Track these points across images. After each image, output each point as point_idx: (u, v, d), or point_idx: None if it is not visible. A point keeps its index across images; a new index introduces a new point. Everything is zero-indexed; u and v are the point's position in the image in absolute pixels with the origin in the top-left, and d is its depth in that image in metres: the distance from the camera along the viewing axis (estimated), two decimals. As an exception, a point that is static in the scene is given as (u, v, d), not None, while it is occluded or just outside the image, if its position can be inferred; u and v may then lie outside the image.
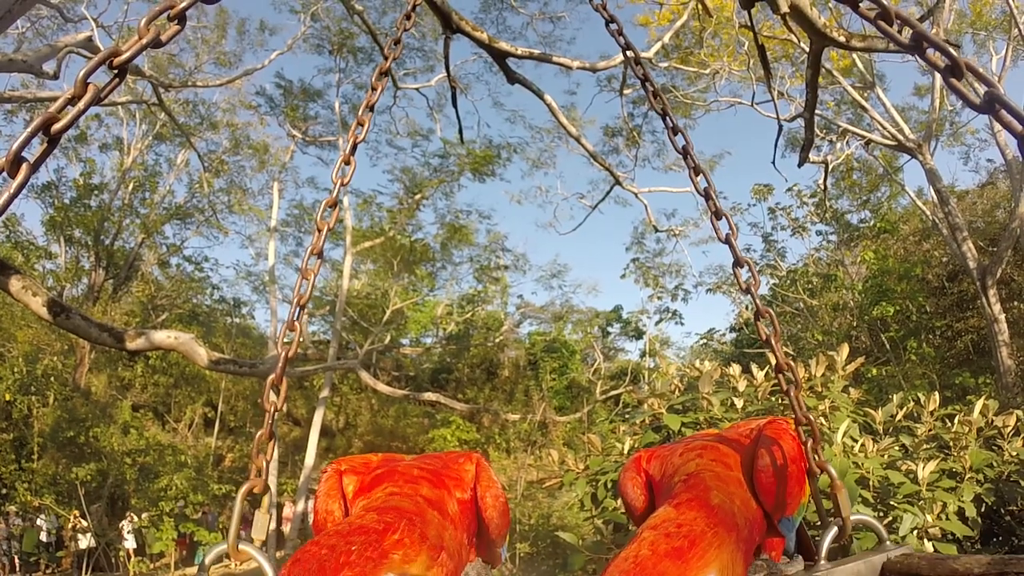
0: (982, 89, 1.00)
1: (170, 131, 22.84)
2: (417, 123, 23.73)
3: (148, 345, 7.50)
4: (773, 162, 8.09)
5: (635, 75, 1.71)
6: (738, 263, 1.45)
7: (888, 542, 1.28)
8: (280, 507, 20.09)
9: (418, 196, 23.91)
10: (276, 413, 1.31)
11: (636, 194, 12.95)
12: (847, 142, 17.48)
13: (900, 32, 1.09)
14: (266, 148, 23.59)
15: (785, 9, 3.57)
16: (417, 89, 19.06)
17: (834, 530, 1.26)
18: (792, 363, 1.40)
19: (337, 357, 19.83)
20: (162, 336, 7.67)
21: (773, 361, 1.42)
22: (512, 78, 6.61)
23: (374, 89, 1.57)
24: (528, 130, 30.77)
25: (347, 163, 1.48)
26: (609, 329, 31.68)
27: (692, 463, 1.20)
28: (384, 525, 0.97)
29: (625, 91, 16.39)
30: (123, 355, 20.90)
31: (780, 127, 7.18)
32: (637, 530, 1.01)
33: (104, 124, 23.12)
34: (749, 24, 4.62)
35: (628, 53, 1.71)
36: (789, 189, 20.46)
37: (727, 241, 1.47)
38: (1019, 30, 13.05)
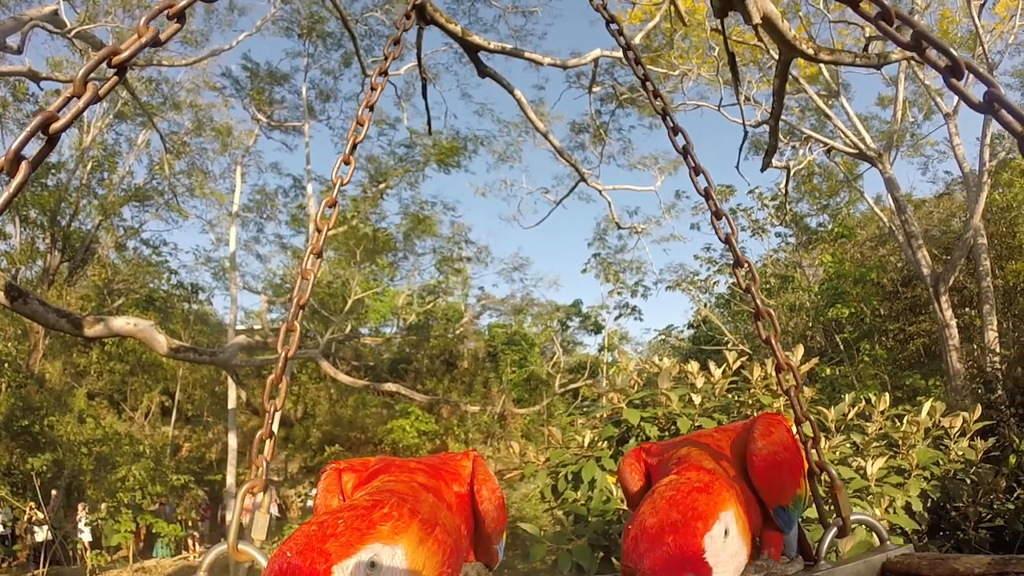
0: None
1: (132, 110, 22.25)
2: (384, 111, 23.54)
3: (107, 332, 7.39)
4: (737, 166, 8.24)
5: (636, 75, 1.73)
6: (738, 263, 1.46)
7: (888, 542, 1.29)
8: (238, 499, 19.84)
9: (382, 185, 23.76)
10: (276, 413, 1.32)
11: (600, 191, 13.00)
12: (810, 148, 17.81)
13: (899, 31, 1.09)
14: (229, 131, 23.08)
15: (757, 20, 3.65)
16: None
17: (834, 530, 1.28)
18: (792, 365, 1.40)
19: (298, 346, 19.63)
20: (121, 323, 7.57)
21: (764, 361, 1.46)
22: (483, 71, 6.61)
23: (374, 89, 1.57)
24: (496, 123, 30.75)
25: (347, 163, 1.49)
26: (569, 323, 31.84)
27: (685, 448, 1.23)
28: (373, 502, 0.97)
29: (594, 89, 16.48)
30: (78, 341, 20.43)
31: (745, 132, 7.30)
32: (646, 495, 1.04)
33: (65, 100, 22.42)
34: (721, 30, 4.72)
35: (629, 54, 1.74)
36: (751, 191, 20.71)
37: (727, 241, 1.48)
38: (983, 49, 13.41)
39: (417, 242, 26.59)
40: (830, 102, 15.58)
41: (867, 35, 10.65)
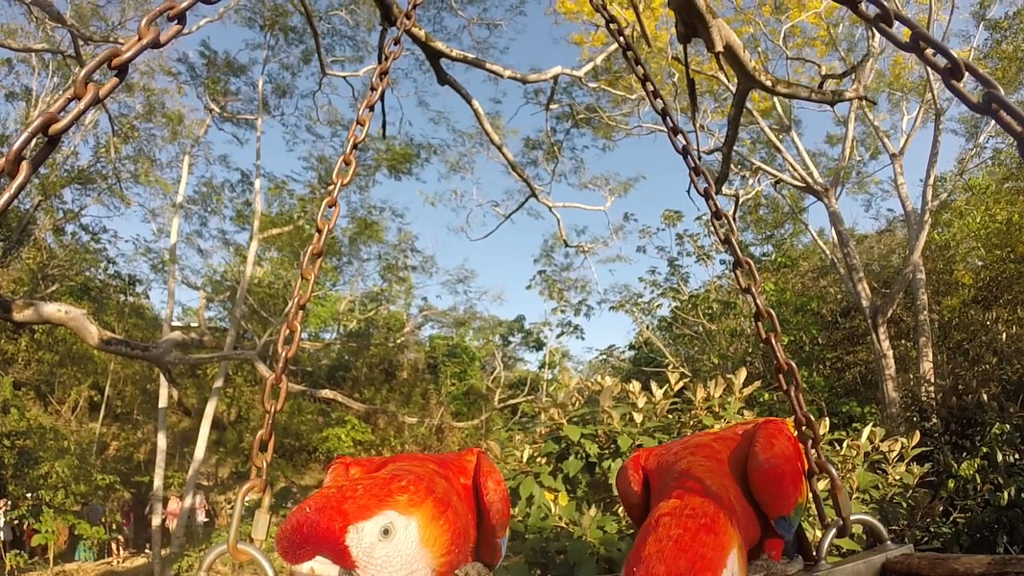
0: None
1: (83, 87, 21.41)
2: (339, 112, 23.25)
3: (37, 317, 7.12)
4: (688, 191, 8.38)
5: (636, 75, 1.76)
6: (738, 263, 1.45)
7: (888, 542, 1.29)
8: (165, 501, 19.15)
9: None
10: (276, 414, 1.36)
11: (550, 207, 13.02)
12: (758, 179, 18.24)
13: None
14: (180, 118, 22.34)
15: (719, 48, 3.71)
16: (344, 78, 18.67)
17: (834, 530, 1.29)
18: (792, 364, 1.41)
19: (234, 346, 19.12)
20: (52, 309, 7.29)
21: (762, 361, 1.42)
22: (443, 79, 6.58)
23: (373, 89, 1.59)
24: (451, 133, 30.64)
25: (347, 163, 1.51)
26: (511, 338, 31.76)
27: (684, 460, 1.22)
28: (392, 476, 1.03)
29: (551, 106, 16.56)
30: (7, 326, 19.53)
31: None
32: (647, 521, 1.03)
33: (14, 71, 21.13)
34: (681, 58, 4.78)
35: (629, 54, 1.77)
36: (698, 218, 20.95)
37: (726, 241, 1.48)
38: (932, 94, 13.90)
39: (363, 247, 26.26)
40: (781, 136, 15.97)
41: (822, 74, 10.97)
